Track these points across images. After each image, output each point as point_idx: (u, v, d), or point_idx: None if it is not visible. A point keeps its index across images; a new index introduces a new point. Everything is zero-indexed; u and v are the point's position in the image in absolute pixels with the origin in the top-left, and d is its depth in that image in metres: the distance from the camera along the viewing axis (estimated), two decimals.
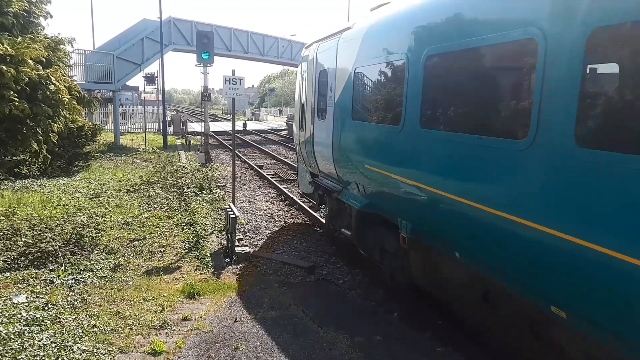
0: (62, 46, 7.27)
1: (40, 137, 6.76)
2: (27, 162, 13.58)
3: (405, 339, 5.83)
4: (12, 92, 5.53)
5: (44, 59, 6.22)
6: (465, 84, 4.96)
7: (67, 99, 6.55)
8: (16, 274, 7.17)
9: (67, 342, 5.33)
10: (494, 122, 4.50)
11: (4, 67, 5.31)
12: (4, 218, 9.09)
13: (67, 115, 7.07)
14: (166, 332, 5.75)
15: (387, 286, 7.36)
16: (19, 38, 5.89)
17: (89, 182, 14.40)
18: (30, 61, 5.68)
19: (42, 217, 9.43)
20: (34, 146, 6.66)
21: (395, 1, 6.84)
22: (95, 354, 5.16)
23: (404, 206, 6.14)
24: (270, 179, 16.91)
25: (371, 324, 6.19)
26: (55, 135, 7.40)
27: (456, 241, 5.11)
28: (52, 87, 6.08)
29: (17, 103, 5.58)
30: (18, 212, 9.56)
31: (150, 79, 37.54)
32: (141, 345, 5.41)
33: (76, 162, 17.30)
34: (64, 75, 6.75)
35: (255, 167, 19.65)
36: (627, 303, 3.20)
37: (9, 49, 5.46)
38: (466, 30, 4.74)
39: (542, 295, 3.99)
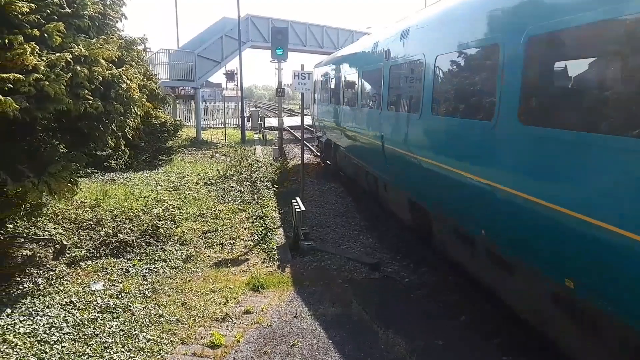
0: (135, 46, 7.68)
1: (117, 133, 7.18)
2: (115, 157, 14.59)
3: (468, 345, 5.47)
4: (86, 91, 5.87)
5: (116, 59, 6.56)
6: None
7: (137, 97, 6.87)
8: (96, 262, 7.66)
9: (134, 330, 5.58)
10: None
11: (78, 67, 5.64)
12: (90, 209, 9.76)
13: (138, 112, 7.43)
14: (227, 325, 5.84)
15: (334, 174, 16.60)
16: (94, 40, 6.25)
17: (169, 176, 15.17)
18: (103, 61, 6.00)
19: (123, 209, 10.03)
20: (110, 141, 7.08)
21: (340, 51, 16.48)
22: (159, 343, 5.35)
23: (335, 135, 14.86)
24: (342, 173, 16.78)
25: (434, 327, 5.89)
26: (131, 130, 7.81)
27: (348, 148, 13.10)
28: (123, 85, 6.40)
29: (91, 101, 5.92)
30: (102, 204, 10.24)
31: (230, 76, 38.86)
32: (202, 337, 5.54)
33: (159, 156, 18.30)
34: (136, 74, 7.09)
35: (327, 162, 19.63)
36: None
37: (83, 50, 5.80)
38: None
39: (366, 161, 11.21)
